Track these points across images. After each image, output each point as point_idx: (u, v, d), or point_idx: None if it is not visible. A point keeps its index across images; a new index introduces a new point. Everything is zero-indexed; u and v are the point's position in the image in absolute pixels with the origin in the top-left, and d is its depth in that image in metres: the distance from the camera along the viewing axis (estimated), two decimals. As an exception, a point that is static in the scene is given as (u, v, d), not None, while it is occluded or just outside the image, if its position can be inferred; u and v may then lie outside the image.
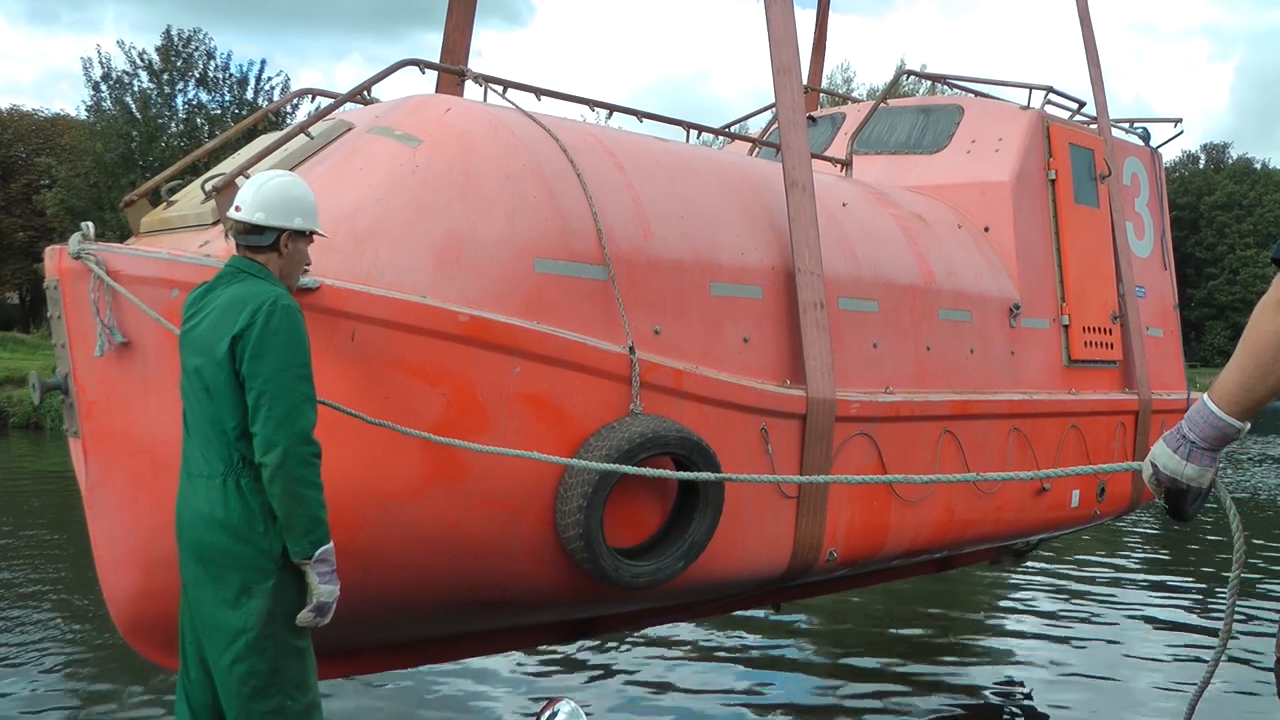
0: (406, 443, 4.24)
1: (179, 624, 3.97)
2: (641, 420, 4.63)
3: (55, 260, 4.44)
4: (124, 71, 41.68)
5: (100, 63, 41.71)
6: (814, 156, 6.20)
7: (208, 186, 4.71)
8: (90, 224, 4.63)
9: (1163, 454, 2.57)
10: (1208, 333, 69.59)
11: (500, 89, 5.55)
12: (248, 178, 4.68)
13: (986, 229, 7.28)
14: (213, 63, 42.98)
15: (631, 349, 4.73)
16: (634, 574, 4.67)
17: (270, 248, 3.87)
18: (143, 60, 41.82)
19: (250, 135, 6.24)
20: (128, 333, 4.35)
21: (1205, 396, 2.53)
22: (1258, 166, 75.50)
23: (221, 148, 6.13)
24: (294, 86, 50.98)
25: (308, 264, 4.02)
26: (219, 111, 42.68)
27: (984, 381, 6.71)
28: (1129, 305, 7.97)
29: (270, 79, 44.07)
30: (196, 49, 42.70)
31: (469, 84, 6.11)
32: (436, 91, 6.52)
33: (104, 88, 41.78)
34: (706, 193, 5.51)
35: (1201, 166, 78.13)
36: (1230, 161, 77.28)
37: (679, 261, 5.14)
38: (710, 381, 5.02)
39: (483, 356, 4.36)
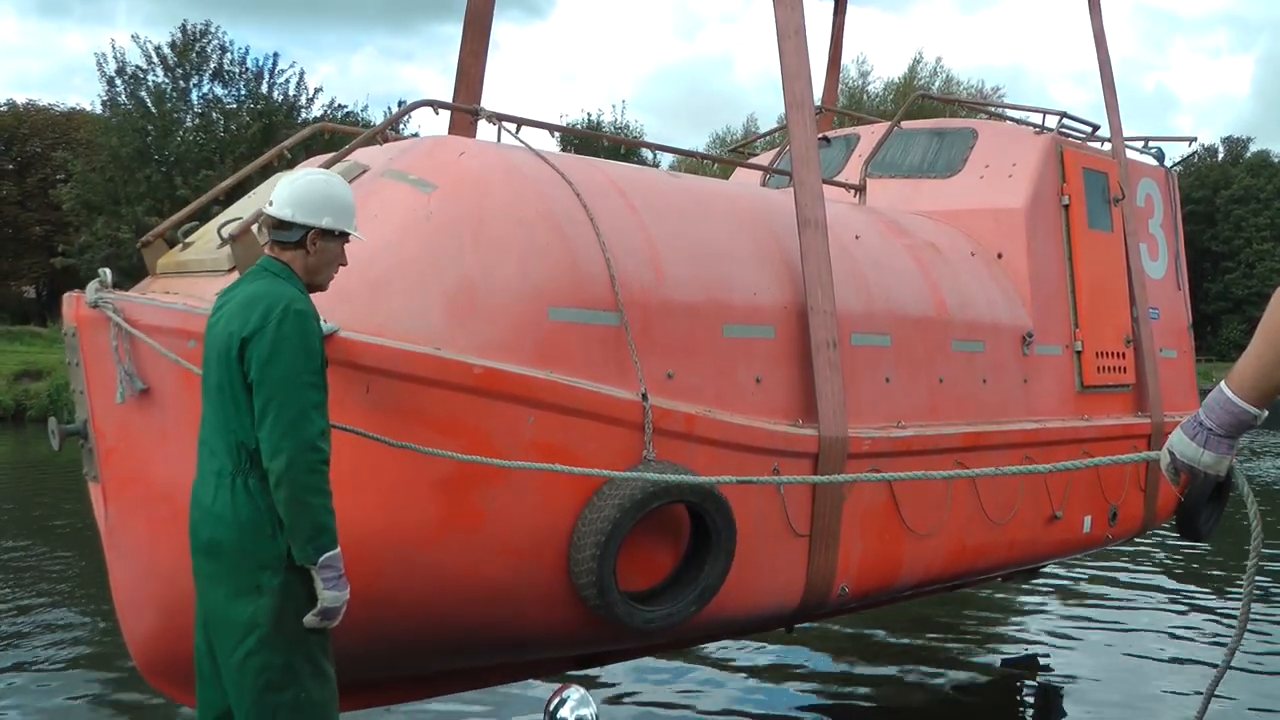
0: (422, 491, 4.29)
1: (195, 625, 3.97)
2: (654, 468, 4.66)
3: (73, 308, 4.49)
4: (138, 67, 41.79)
5: (115, 57, 41.88)
6: (827, 182, 6.19)
7: (224, 232, 4.73)
8: (107, 270, 4.67)
9: (1180, 442, 2.57)
10: (1223, 327, 69.33)
11: (514, 127, 5.58)
12: (264, 225, 4.74)
13: (1000, 255, 7.28)
14: (227, 56, 43.06)
15: (644, 395, 4.75)
16: (647, 619, 4.71)
17: (297, 245, 3.89)
18: (157, 55, 41.91)
19: (267, 171, 6.25)
20: (147, 380, 4.41)
21: (1223, 383, 2.53)
22: (1276, 160, 75.03)
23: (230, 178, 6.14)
24: (309, 81, 51.00)
25: (342, 263, 4.03)
26: (234, 105, 42.75)
27: (996, 411, 6.72)
28: (1142, 329, 7.97)
29: (285, 72, 44.15)
30: (209, 43, 42.77)
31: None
32: (450, 126, 6.56)
33: (119, 82, 41.90)
34: (719, 231, 5.53)
35: (1220, 159, 77.69)
36: (1249, 155, 76.89)
37: (692, 304, 5.16)
38: (722, 425, 5.04)
39: (497, 407, 4.39)
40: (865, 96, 55.67)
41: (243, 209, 5.16)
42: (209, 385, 3.84)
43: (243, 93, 43.31)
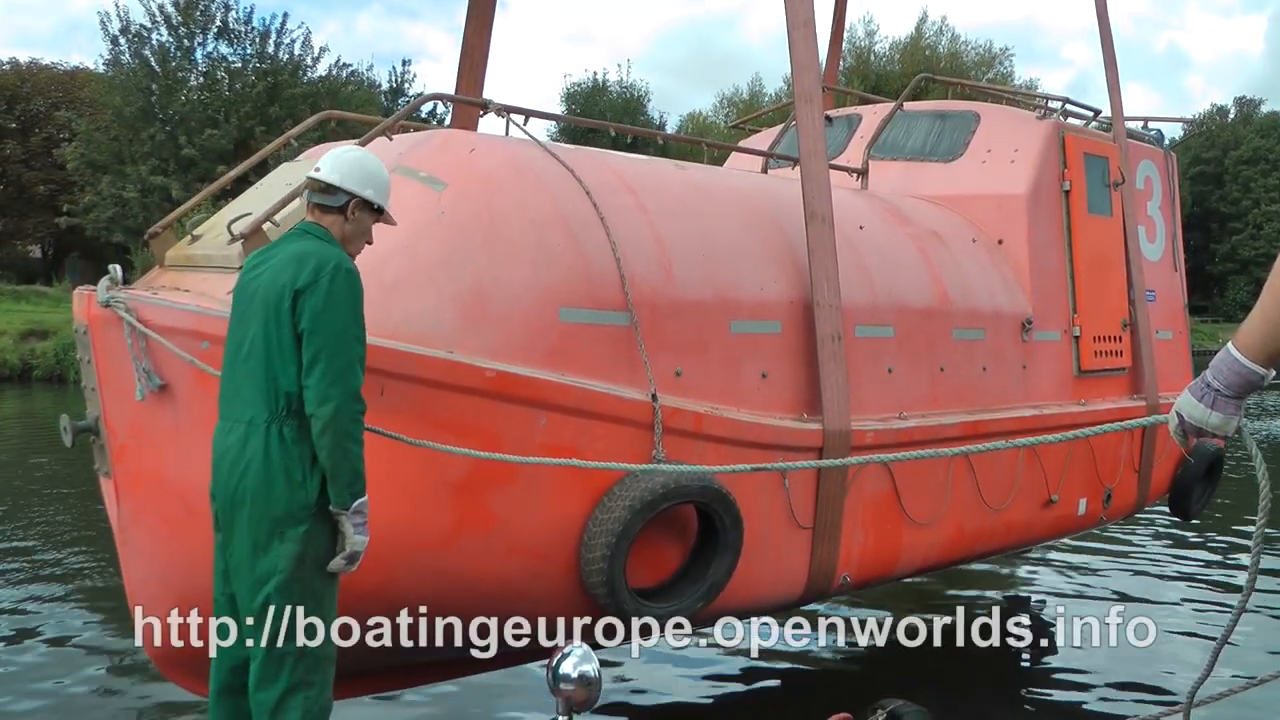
0: (436, 496, 4.39)
1: (213, 577, 4.09)
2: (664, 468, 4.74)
3: (84, 306, 4.49)
4: (142, 25, 41.54)
5: (119, 16, 41.63)
6: (830, 167, 6.22)
7: (235, 229, 4.76)
8: (118, 267, 4.65)
9: (1187, 403, 2.56)
10: (1230, 288, 69.24)
11: (522, 119, 5.60)
12: (275, 224, 4.78)
13: (1000, 242, 7.34)
14: (232, 14, 42.77)
15: (654, 396, 4.84)
16: (655, 616, 4.83)
17: (338, 210, 4.09)
18: (161, 13, 41.65)
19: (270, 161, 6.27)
20: (161, 376, 4.46)
21: (1229, 344, 2.52)
22: (1286, 120, 74.54)
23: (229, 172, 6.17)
24: (315, 40, 50.59)
25: (369, 240, 4.20)
26: (239, 65, 42.52)
27: (995, 398, 6.81)
28: (1139, 312, 8.05)
29: (292, 32, 43.86)
30: (214, 1, 42.46)
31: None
32: (453, 113, 6.60)
33: (123, 41, 41.67)
34: (727, 227, 5.59)
35: (1231, 120, 77.18)
36: (1260, 116, 76.40)
37: (700, 302, 5.23)
38: (729, 422, 5.13)
39: (509, 410, 4.47)
40: (872, 56, 55.19)
41: (251, 203, 5.18)
42: (242, 338, 3.96)
43: (248, 51, 43.06)
